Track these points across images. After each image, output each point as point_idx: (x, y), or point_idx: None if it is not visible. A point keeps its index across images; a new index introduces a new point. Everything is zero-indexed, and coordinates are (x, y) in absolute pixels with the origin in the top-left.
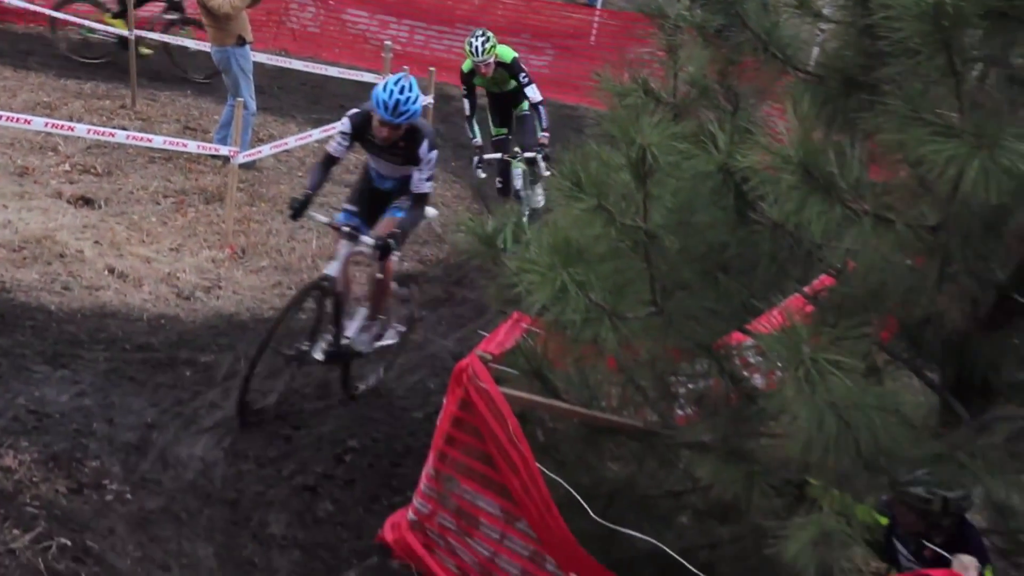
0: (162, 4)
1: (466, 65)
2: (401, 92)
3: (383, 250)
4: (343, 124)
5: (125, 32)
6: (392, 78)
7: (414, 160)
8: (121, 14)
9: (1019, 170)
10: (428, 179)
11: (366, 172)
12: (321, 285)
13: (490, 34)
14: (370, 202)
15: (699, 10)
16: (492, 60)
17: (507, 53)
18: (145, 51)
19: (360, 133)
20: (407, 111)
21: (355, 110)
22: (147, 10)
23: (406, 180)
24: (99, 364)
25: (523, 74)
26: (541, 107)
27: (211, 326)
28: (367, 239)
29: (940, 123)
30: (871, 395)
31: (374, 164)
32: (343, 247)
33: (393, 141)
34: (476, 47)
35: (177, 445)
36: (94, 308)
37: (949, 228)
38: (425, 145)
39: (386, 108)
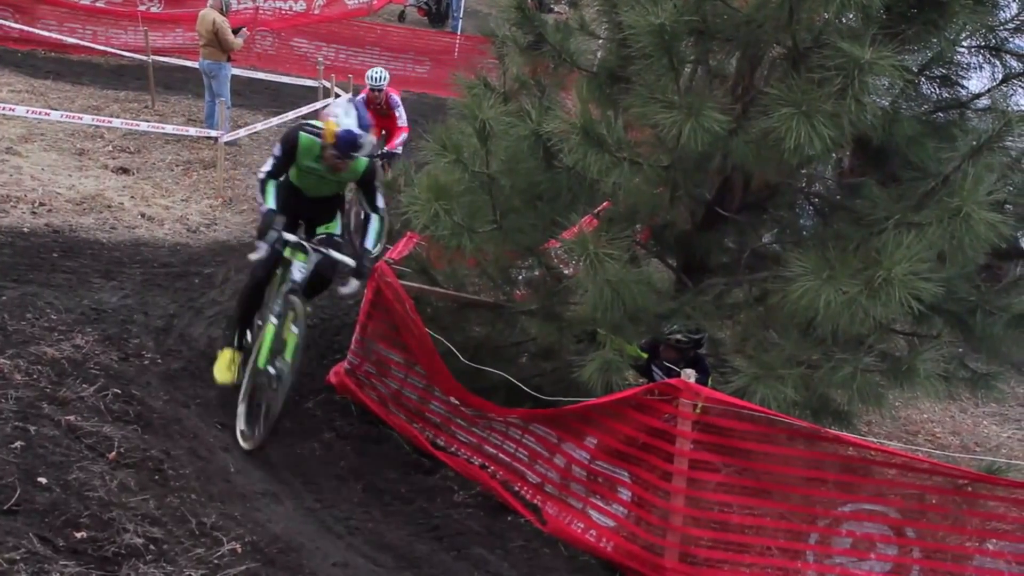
0: None
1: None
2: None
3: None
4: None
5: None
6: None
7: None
8: None
9: (715, 130)
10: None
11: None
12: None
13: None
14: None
15: (518, 32)
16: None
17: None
18: None
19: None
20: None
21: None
22: None
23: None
24: (136, 276)
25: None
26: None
27: (211, 249)
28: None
29: (667, 100)
30: (632, 274)
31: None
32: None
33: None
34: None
35: (191, 327)
36: (132, 240)
37: (675, 167)
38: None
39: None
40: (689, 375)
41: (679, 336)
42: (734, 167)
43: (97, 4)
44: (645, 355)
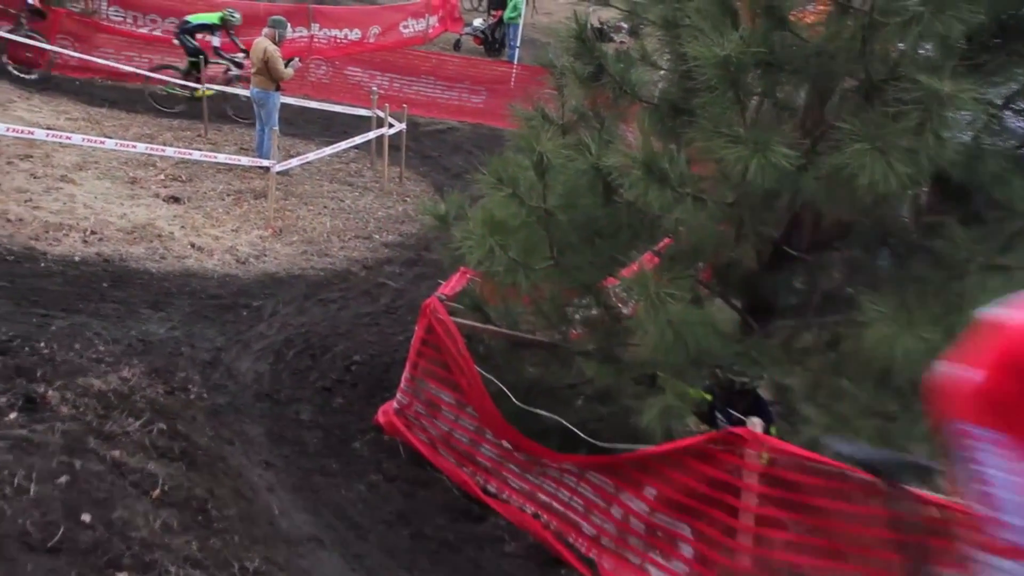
0: (224, 64)
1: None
2: None
3: None
4: None
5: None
6: None
7: None
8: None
9: (783, 165)
10: None
11: None
12: None
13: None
14: None
15: (577, 63)
16: None
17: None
18: (207, 92)
19: None
20: None
21: None
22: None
23: None
24: (185, 308)
25: None
26: None
27: (260, 281)
28: None
29: (732, 134)
30: (695, 315)
31: None
32: None
33: None
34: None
35: (238, 361)
36: (181, 270)
37: (741, 204)
38: None
39: None
40: (755, 424)
41: (727, 378)
42: (803, 204)
43: (155, 32)
44: (708, 397)
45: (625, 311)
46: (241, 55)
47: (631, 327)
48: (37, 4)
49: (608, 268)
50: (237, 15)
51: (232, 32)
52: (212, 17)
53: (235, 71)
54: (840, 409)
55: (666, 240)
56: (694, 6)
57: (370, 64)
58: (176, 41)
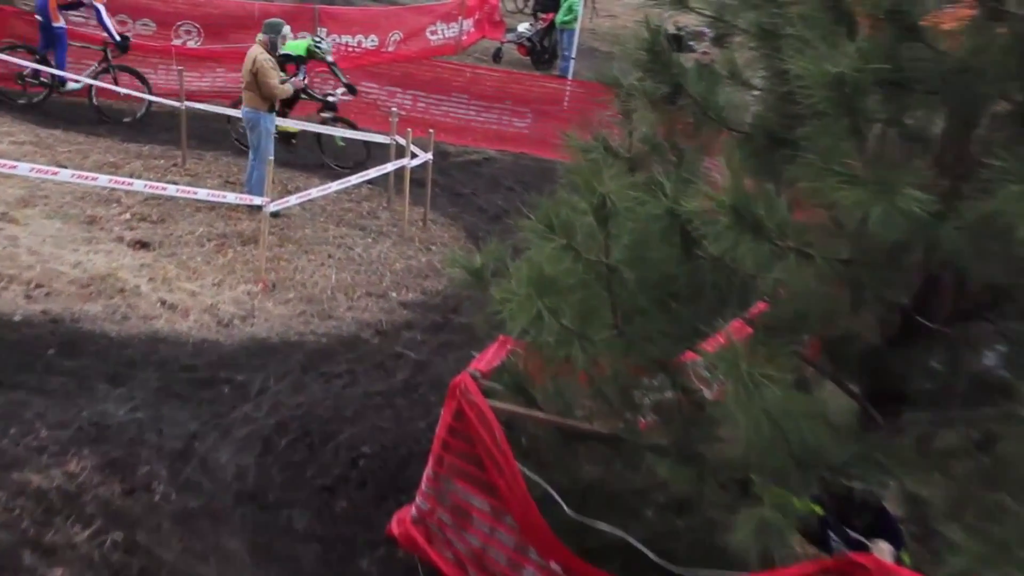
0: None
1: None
2: None
3: None
4: None
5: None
6: None
7: None
8: None
9: (914, 212)
10: None
11: None
12: None
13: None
14: None
15: (648, 80)
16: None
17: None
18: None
19: None
20: None
21: None
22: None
23: None
24: (151, 382)
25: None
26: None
27: (246, 349)
28: None
29: (848, 173)
30: (799, 403)
31: None
32: None
33: None
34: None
35: (216, 452)
36: (148, 334)
37: (859, 261)
38: None
39: None
40: (882, 550)
41: (842, 486)
42: (943, 262)
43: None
44: (818, 510)
45: (709, 395)
46: (340, 91)
47: (716, 417)
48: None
49: (687, 340)
50: (325, 44)
51: (333, 64)
52: (298, 47)
53: (328, 113)
54: (997, 533)
55: (761, 305)
56: (799, 11)
57: (389, 79)
58: None
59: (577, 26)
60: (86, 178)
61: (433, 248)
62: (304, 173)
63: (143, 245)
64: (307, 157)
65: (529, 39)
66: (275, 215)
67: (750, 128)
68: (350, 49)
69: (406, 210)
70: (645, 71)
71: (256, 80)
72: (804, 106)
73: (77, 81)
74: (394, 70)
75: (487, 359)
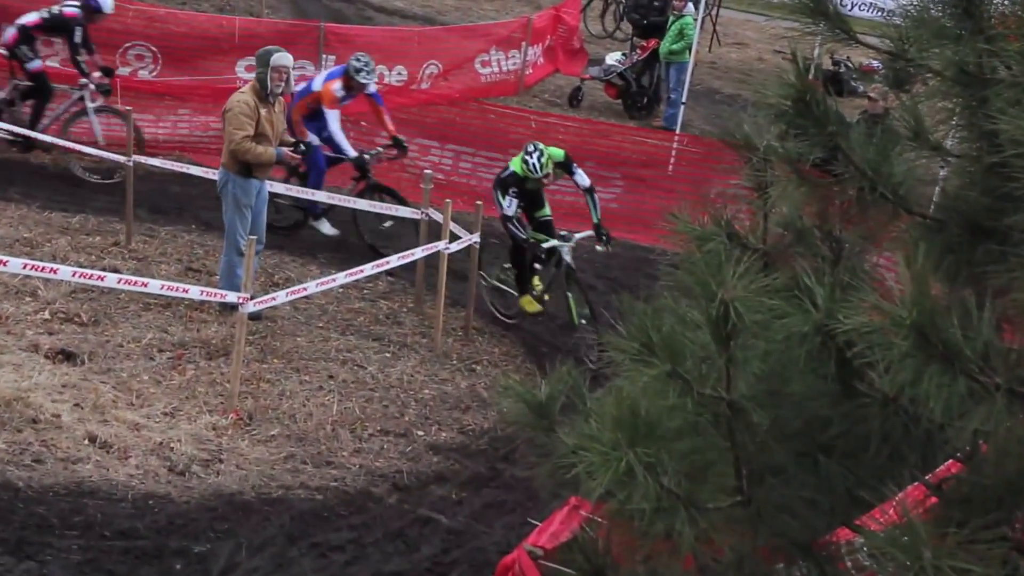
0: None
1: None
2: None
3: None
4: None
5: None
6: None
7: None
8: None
9: None
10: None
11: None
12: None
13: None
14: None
15: (794, 139)
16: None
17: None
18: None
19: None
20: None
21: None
22: None
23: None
24: (72, 554)
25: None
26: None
27: (209, 508)
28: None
29: None
30: None
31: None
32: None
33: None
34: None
35: None
36: (69, 485)
37: None
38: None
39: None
40: None
41: None
42: None
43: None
44: None
45: None
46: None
47: None
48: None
49: (841, 513)
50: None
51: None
52: None
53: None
54: None
55: (954, 467)
56: (1019, 47)
57: (421, 127)
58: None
59: (690, 58)
60: None
61: (477, 369)
62: (299, 257)
63: (67, 356)
64: (300, 236)
65: (621, 75)
66: (255, 317)
67: (941, 212)
68: None
69: (440, 314)
70: (789, 126)
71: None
72: (1022, 183)
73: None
74: (428, 115)
75: (552, 530)
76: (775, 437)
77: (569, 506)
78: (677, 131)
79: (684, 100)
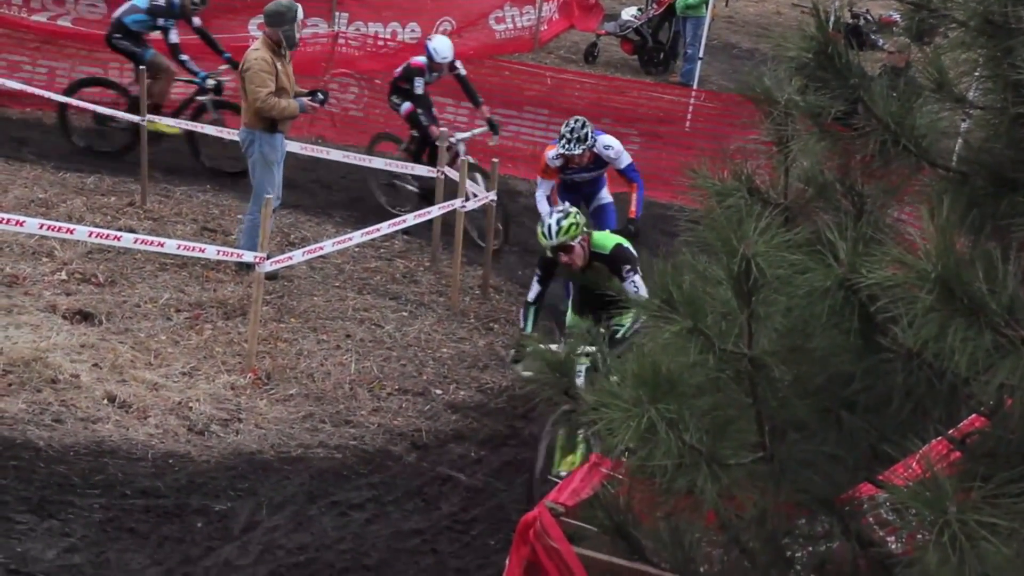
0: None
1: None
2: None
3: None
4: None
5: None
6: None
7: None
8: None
9: None
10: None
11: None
12: None
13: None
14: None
15: (815, 93)
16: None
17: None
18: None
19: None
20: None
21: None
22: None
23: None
24: (93, 513)
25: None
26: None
27: (228, 467)
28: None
29: None
30: None
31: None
32: None
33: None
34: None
35: None
36: (90, 444)
37: None
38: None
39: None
40: None
41: None
42: None
43: (59, 23)
44: None
45: (895, 549)
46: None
47: None
48: None
49: (864, 468)
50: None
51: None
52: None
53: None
54: None
55: (978, 421)
56: None
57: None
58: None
59: (707, 13)
60: (6, 222)
61: (495, 327)
62: (315, 216)
63: (85, 317)
64: (316, 195)
65: (637, 31)
66: (272, 277)
67: (965, 164)
68: (380, 44)
69: (457, 272)
70: (810, 79)
71: (244, 88)
72: None
73: None
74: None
75: (573, 488)
76: (797, 393)
77: (590, 464)
78: (694, 87)
79: (701, 55)
